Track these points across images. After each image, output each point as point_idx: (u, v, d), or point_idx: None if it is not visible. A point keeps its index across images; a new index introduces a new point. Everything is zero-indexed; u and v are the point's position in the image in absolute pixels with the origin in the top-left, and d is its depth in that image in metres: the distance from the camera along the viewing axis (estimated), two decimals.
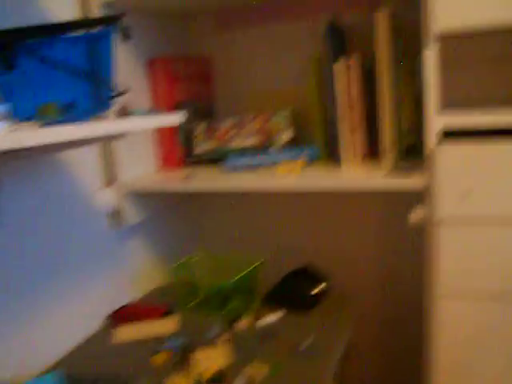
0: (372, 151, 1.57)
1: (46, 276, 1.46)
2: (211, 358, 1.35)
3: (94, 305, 1.63)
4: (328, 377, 1.25)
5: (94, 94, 1.05)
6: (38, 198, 1.43)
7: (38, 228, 1.43)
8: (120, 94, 1.10)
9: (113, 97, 1.11)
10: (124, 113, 1.12)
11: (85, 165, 1.60)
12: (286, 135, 1.73)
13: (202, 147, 1.78)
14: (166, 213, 1.96)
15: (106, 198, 1.67)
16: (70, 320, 1.54)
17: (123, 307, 1.71)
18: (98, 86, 1.03)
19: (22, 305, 1.38)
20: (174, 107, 1.78)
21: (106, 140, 1.19)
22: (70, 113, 0.98)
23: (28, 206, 1.39)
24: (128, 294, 1.78)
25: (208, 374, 1.28)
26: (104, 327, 1.63)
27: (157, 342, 1.46)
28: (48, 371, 1.37)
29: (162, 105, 1.77)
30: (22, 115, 0.92)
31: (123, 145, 1.67)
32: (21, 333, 1.37)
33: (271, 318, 1.55)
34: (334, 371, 1.28)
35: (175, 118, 1.27)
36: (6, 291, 1.33)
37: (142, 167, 1.78)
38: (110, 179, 1.69)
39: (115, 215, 1.71)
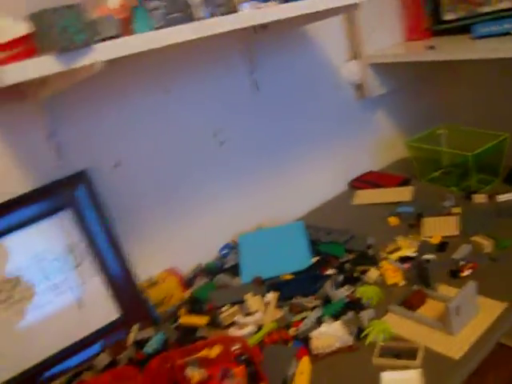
0: None
1: (294, 141, 1.67)
2: (441, 227, 1.40)
3: (337, 170, 1.81)
4: None
5: None
6: (288, 69, 1.60)
7: (289, 97, 1.62)
8: None
9: None
10: None
11: (331, 38, 1.69)
12: None
13: (449, 15, 1.68)
14: (410, 85, 1.95)
15: (352, 69, 1.75)
16: (316, 182, 1.75)
17: (364, 174, 1.85)
18: None
19: (273, 165, 1.63)
20: None
21: (346, 10, 1.24)
22: None
23: (279, 77, 1.58)
24: (369, 162, 1.91)
25: (436, 240, 1.34)
26: (345, 191, 1.81)
27: (392, 207, 1.57)
28: (293, 219, 1.63)
29: None
30: None
31: (368, 17, 1.69)
32: (271, 188, 1.64)
33: (510, 195, 1.49)
34: None
35: None
36: (262, 148, 1.59)
37: (386, 39, 1.78)
38: (355, 52, 1.75)
39: (360, 87, 1.80)
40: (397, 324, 1.08)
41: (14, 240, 1.13)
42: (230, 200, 1.54)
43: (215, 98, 1.45)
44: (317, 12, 1.09)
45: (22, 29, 0.75)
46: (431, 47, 1.54)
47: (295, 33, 1.58)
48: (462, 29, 1.65)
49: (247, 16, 0.91)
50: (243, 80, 1.50)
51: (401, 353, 1.00)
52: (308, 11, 1.02)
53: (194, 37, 0.84)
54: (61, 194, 1.18)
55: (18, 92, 1.10)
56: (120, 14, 0.79)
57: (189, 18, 0.85)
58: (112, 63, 0.83)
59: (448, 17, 1.69)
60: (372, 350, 1.01)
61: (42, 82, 0.99)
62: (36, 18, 0.67)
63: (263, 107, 1.57)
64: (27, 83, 1.04)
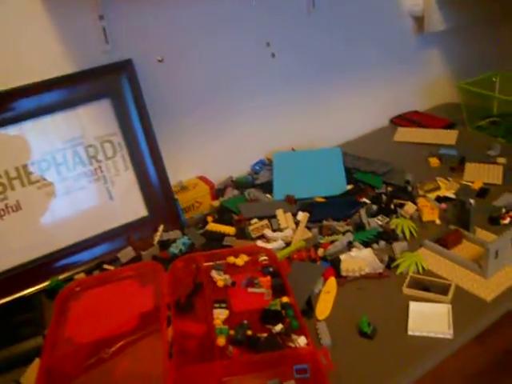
0: None
1: (342, 67, 1.60)
2: (483, 174, 1.35)
3: (381, 104, 1.74)
4: None
5: None
6: None
7: (345, 20, 1.54)
8: None
9: None
10: None
11: None
12: None
13: None
14: (471, 25, 1.84)
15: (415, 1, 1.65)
16: (357, 113, 1.69)
17: (409, 112, 1.78)
18: None
19: (317, 88, 1.57)
20: None
21: None
22: None
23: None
24: (414, 102, 1.83)
25: (477, 185, 1.30)
26: (386, 126, 1.74)
27: (434, 148, 1.52)
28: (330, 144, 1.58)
29: None
30: None
31: None
32: (312, 111, 1.59)
33: None
34: None
35: None
36: (310, 69, 1.52)
37: None
38: None
39: (420, 20, 1.69)
40: (430, 260, 1.06)
41: (53, 120, 1.10)
42: (269, 116, 1.49)
43: (271, 8, 1.37)
44: None
45: None
46: None
47: None
48: None
49: None
50: None
51: (431, 287, 0.98)
52: None
53: None
54: (104, 80, 1.14)
55: None
56: None
57: None
58: None
59: None
60: (402, 281, 1.00)
61: None
62: None
63: (318, 27, 1.48)
64: None
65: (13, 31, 1.05)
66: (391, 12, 1.64)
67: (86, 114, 1.14)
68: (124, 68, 1.15)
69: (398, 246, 1.08)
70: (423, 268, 1.03)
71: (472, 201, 1.22)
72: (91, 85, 1.13)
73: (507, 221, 1.15)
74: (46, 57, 1.10)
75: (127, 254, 1.14)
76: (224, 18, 1.31)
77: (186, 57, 1.28)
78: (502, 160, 1.42)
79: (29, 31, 1.07)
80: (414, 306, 0.94)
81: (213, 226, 1.22)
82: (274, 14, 1.39)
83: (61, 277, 1.10)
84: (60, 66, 1.11)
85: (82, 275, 1.11)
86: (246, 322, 0.87)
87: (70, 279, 1.09)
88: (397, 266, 1.04)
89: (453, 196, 1.26)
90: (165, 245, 1.17)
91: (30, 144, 1.08)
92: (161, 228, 1.20)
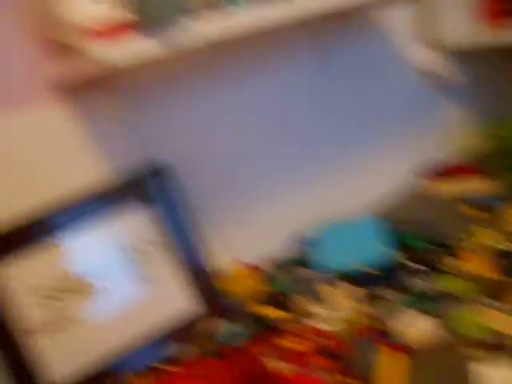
0: None
1: (360, 125, 1.63)
2: None
3: (409, 159, 1.76)
4: None
5: None
6: (360, 51, 1.57)
7: (360, 78, 1.60)
8: None
9: None
10: None
11: (405, 25, 1.65)
12: None
13: None
14: (485, 71, 1.88)
15: (427, 57, 1.70)
16: (383, 170, 1.71)
17: (438, 164, 1.79)
18: None
19: (339, 153, 1.60)
20: None
21: None
22: None
23: (351, 58, 1.55)
24: (441, 151, 1.84)
25: None
26: (418, 181, 1.75)
27: (466, 197, 1.51)
28: (363, 210, 1.59)
29: None
30: None
31: (443, 2, 1.63)
32: (338, 176, 1.61)
33: None
34: None
35: None
36: (327, 135, 1.57)
37: (460, 24, 1.71)
38: (428, 37, 1.70)
39: (433, 75, 1.74)
40: (487, 316, 1.03)
41: (96, 232, 1.15)
42: (300, 188, 1.52)
43: (282, 84, 1.44)
44: None
45: (121, 14, 0.75)
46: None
47: (369, 18, 1.55)
48: None
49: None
50: (309, 62, 1.48)
51: (495, 346, 0.95)
52: None
53: (290, 16, 0.82)
54: (145, 187, 1.19)
55: (106, 82, 1.12)
56: None
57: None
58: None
59: None
60: (462, 343, 0.97)
61: (131, 70, 1.00)
62: None
63: (333, 93, 1.54)
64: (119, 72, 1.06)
65: (55, 148, 1.12)
66: (404, 69, 1.70)
67: (131, 221, 1.18)
68: (163, 173, 1.21)
69: (453, 307, 1.06)
70: (482, 327, 1.00)
71: None
72: (134, 193, 1.18)
73: None
74: (87, 171, 1.16)
75: (178, 352, 1.14)
76: (244, 100, 1.37)
77: (215, 149, 1.34)
78: None
79: (70, 147, 1.14)
80: (479, 368, 0.90)
81: (262, 311, 1.21)
82: (289, 87, 1.45)
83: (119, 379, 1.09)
84: (101, 179, 1.17)
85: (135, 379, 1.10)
86: None
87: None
88: (455, 328, 1.01)
89: (500, 245, 1.24)
90: (215, 337, 1.16)
91: (74, 252, 1.12)
92: (210, 320, 1.20)
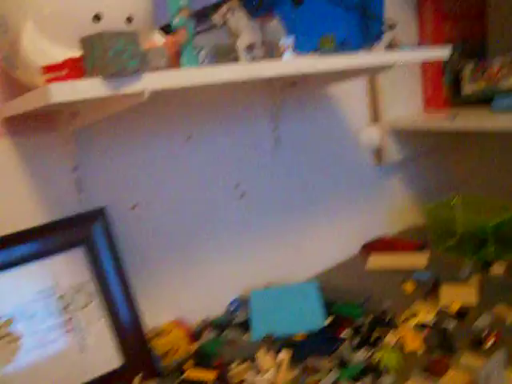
0: None
1: (309, 200, 1.66)
2: (459, 295, 1.36)
3: (351, 233, 1.79)
4: None
5: (364, 29, 1.13)
6: (310, 129, 1.62)
7: (308, 156, 1.63)
8: (389, 28, 1.16)
9: (382, 32, 1.18)
10: (391, 47, 1.18)
11: (352, 102, 1.73)
12: None
13: (469, 87, 1.72)
14: (427, 153, 1.98)
15: (371, 134, 1.77)
16: (329, 244, 1.73)
17: (378, 239, 1.83)
18: (368, 21, 1.11)
19: (287, 222, 1.61)
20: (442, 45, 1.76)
21: (374, 72, 1.28)
22: (344, 46, 1.09)
23: (300, 136, 1.59)
24: (383, 227, 1.89)
25: (454, 308, 1.30)
26: (358, 254, 1.78)
27: (407, 273, 1.54)
28: (308, 281, 1.59)
29: (428, 42, 1.77)
30: (302, 48, 1.06)
31: (388, 85, 1.74)
32: (284, 245, 1.61)
33: None
34: None
35: (442, 53, 1.27)
36: (278, 204, 1.57)
37: (405, 107, 1.82)
38: (375, 117, 1.78)
39: (378, 152, 1.81)
40: None
41: (25, 271, 1.09)
42: (242, 254, 1.50)
43: (238, 150, 1.45)
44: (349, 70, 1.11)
45: (68, 53, 0.75)
46: (453, 116, 1.57)
47: (320, 93, 1.61)
48: (481, 101, 1.69)
49: (294, 64, 0.92)
50: (266, 134, 1.51)
51: None
52: (346, 67, 1.03)
53: (238, 77, 0.85)
54: (77, 230, 1.15)
55: (48, 122, 1.10)
56: (168, 49, 0.79)
57: (233, 61, 0.87)
58: (150, 99, 0.83)
59: (467, 89, 1.73)
60: None
61: (76, 111, 0.99)
62: (90, 40, 0.67)
63: (282, 164, 1.57)
64: (61, 112, 1.05)
65: None
66: (350, 146, 1.75)
67: (58, 264, 1.12)
68: (97, 216, 1.17)
69: (385, 381, 1.05)
70: None
71: (451, 325, 1.22)
72: (64, 234, 1.13)
73: (490, 343, 1.13)
74: (18, 208, 1.11)
75: None
76: (192, 159, 1.37)
77: (157, 202, 1.31)
78: (474, 279, 1.44)
79: (6, 180, 1.09)
80: None
81: (191, 373, 1.16)
82: (242, 156, 1.46)
83: None
84: (32, 217, 1.12)
85: None
86: None
87: None
88: None
89: (432, 321, 1.25)
90: None
91: None
92: (137, 379, 1.14)
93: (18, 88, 1.01)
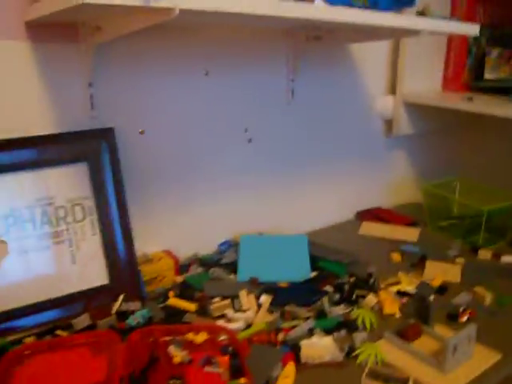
0: None
1: (313, 159, 1.67)
2: (443, 272, 1.39)
3: (348, 198, 1.81)
4: None
5: None
6: (326, 87, 1.61)
7: (320, 114, 1.63)
8: None
9: None
10: (423, 14, 1.17)
11: (372, 69, 1.72)
12: None
13: (492, 73, 1.71)
14: (437, 132, 1.98)
15: (385, 104, 1.77)
16: (325, 204, 1.75)
17: (375, 208, 1.85)
18: None
19: (288, 176, 1.63)
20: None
21: (401, 35, 1.27)
22: (376, 5, 1.08)
23: (316, 92, 1.59)
24: (379, 199, 1.91)
25: (436, 283, 1.33)
26: (351, 220, 1.80)
27: (396, 244, 1.57)
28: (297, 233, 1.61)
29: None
30: (335, 1, 1.05)
31: (411, 58, 1.72)
32: (281, 198, 1.64)
33: None
34: None
35: (471, 29, 1.26)
36: (283, 156, 1.59)
37: (424, 83, 1.80)
38: (392, 88, 1.78)
39: (389, 123, 1.81)
40: (389, 352, 1.06)
41: (27, 176, 1.10)
42: (240, 198, 1.52)
43: (251, 94, 1.45)
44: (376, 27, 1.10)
45: None
46: (469, 98, 1.56)
47: (342, 54, 1.60)
48: (500, 90, 1.68)
49: (324, 10, 0.91)
50: (282, 84, 1.51)
51: (390, 379, 0.97)
52: (375, 23, 1.02)
53: (266, 12, 0.84)
54: (84, 145, 1.16)
55: (71, 33, 1.09)
56: None
57: None
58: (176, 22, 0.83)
59: (489, 75, 1.72)
60: (361, 371, 0.99)
61: (100, 25, 0.99)
62: None
63: (294, 117, 1.57)
64: (85, 24, 1.04)
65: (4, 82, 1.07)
66: (364, 113, 1.75)
67: (60, 175, 1.14)
68: (105, 136, 1.18)
69: (358, 337, 1.08)
70: (382, 360, 1.03)
71: (431, 297, 1.26)
72: (70, 147, 1.15)
73: (465, 319, 1.17)
74: (29, 114, 1.12)
75: (82, 321, 1.10)
76: (208, 95, 1.37)
77: (164, 132, 1.32)
78: (460, 260, 1.47)
79: (16, 86, 1.09)
80: None
81: (174, 301, 1.20)
82: (255, 101, 1.46)
83: (8, 339, 1.04)
84: (42, 126, 1.13)
85: (31, 339, 1.05)
86: None
87: (18, 343, 1.03)
88: (356, 356, 1.03)
89: (413, 291, 1.28)
90: (123, 315, 1.13)
91: None
92: (120, 298, 1.17)
93: None
